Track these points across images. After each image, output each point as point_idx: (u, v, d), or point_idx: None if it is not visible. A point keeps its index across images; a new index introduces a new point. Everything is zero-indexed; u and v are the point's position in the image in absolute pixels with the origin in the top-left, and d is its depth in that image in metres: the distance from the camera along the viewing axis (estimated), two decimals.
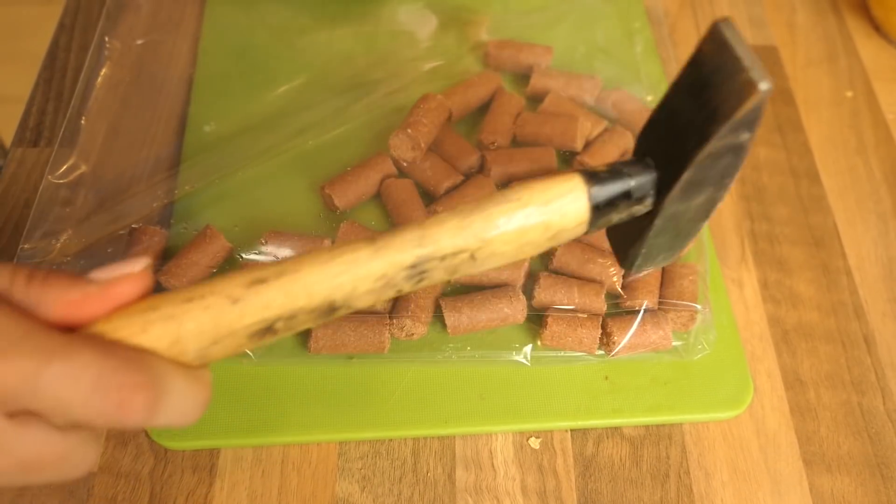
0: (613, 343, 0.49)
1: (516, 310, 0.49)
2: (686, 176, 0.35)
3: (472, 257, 0.35)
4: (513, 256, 0.36)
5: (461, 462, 0.47)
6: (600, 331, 0.49)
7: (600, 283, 0.50)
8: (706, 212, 0.39)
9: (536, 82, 0.61)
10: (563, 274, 0.52)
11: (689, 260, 0.53)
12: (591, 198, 0.36)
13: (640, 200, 0.37)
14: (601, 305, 0.49)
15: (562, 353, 0.49)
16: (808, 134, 0.63)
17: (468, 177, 0.56)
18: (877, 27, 0.70)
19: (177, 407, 0.30)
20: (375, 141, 0.58)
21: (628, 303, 0.50)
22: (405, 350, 0.50)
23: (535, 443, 0.48)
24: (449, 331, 0.49)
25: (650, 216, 0.38)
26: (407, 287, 0.35)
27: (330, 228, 0.54)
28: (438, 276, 0.35)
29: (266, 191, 0.56)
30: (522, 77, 0.62)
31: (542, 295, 0.50)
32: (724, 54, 0.34)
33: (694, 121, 0.35)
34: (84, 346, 0.28)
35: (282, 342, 0.49)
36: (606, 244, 0.52)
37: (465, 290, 0.51)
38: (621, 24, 0.66)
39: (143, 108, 0.60)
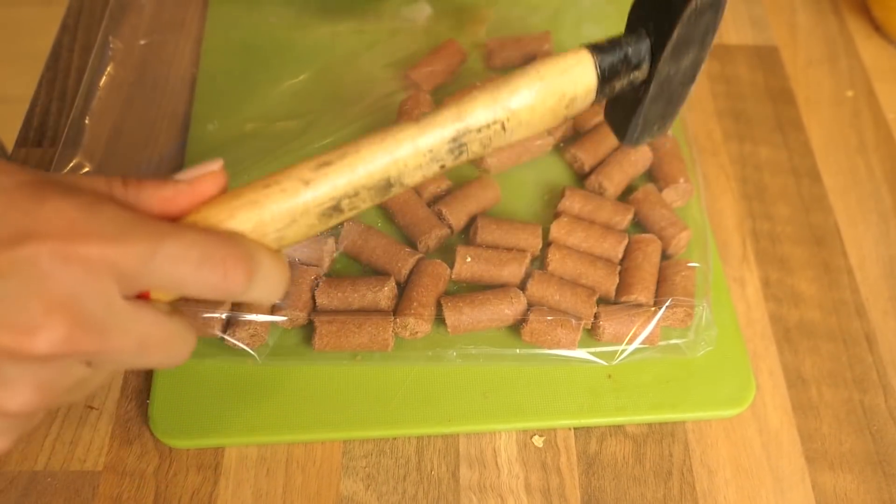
0: (600, 327, 0.49)
1: (517, 310, 0.49)
2: (676, 34, 0.40)
3: (503, 128, 0.39)
4: (538, 125, 0.40)
5: (465, 460, 0.47)
6: (580, 334, 0.49)
7: (593, 289, 0.51)
8: (692, 74, 0.44)
9: None
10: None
11: (691, 258, 0.53)
12: (597, 65, 0.41)
13: (637, 66, 0.42)
14: (591, 310, 0.50)
15: (564, 353, 0.49)
16: (809, 134, 0.64)
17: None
18: (877, 27, 0.70)
19: (267, 280, 0.34)
20: None
21: (623, 298, 0.50)
22: (409, 349, 0.50)
23: (538, 441, 0.48)
24: (449, 330, 0.49)
25: (646, 84, 0.42)
26: (449, 161, 0.39)
27: (335, 228, 0.54)
28: (475, 148, 0.39)
29: None
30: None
31: (535, 289, 0.50)
32: None
33: None
34: (187, 229, 0.32)
35: (286, 341, 0.50)
36: (606, 250, 0.52)
37: (468, 290, 0.51)
38: (623, 24, 0.66)
39: (146, 107, 0.60)
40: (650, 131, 0.46)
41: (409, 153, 0.37)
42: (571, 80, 0.40)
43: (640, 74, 0.42)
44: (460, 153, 0.39)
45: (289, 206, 0.35)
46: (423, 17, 0.65)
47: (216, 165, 0.35)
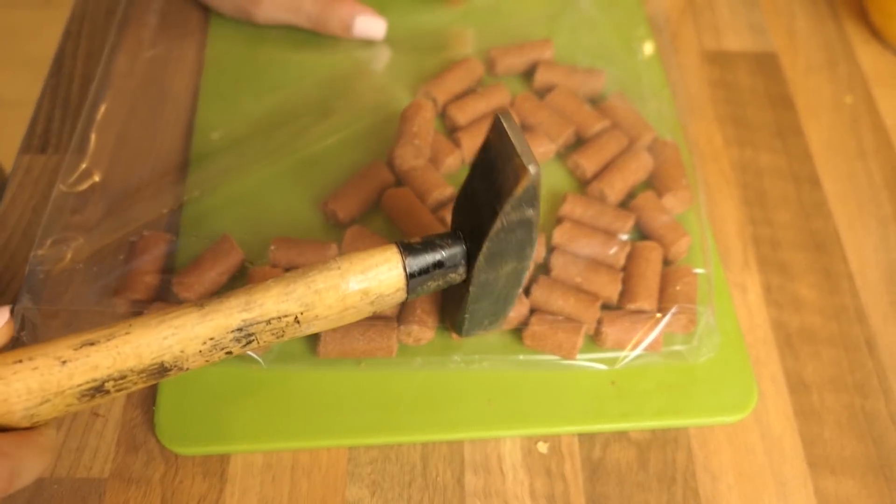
0: (603, 333, 0.50)
1: (520, 313, 0.50)
2: (486, 248, 0.40)
3: (297, 321, 0.38)
4: (336, 321, 0.40)
5: (470, 466, 0.48)
6: (582, 338, 0.49)
7: (596, 295, 0.51)
8: (517, 280, 0.44)
9: (541, 77, 0.61)
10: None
11: (694, 263, 0.54)
12: (405, 267, 0.40)
13: (453, 269, 0.42)
14: (594, 315, 0.50)
15: (567, 360, 0.50)
16: (808, 139, 0.64)
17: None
18: (875, 33, 0.71)
19: (28, 477, 0.34)
20: (370, 144, 0.59)
21: (628, 305, 0.51)
22: (413, 355, 0.50)
23: (543, 447, 0.48)
24: (454, 336, 0.50)
25: (466, 284, 0.42)
26: (236, 349, 0.37)
27: (337, 235, 0.54)
28: (266, 338, 0.38)
29: (273, 196, 0.56)
30: (525, 74, 0.63)
31: (538, 294, 0.50)
32: (503, 141, 0.39)
33: (487, 199, 0.40)
34: None
35: (290, 347, 0.50)
36: (608, 257, 0.53)
37: None
38: (622, 32, 0.67)
39: (150, 116, 0.61)
40: (480, 325, 0.46)
41: (186, 339, 0.36)
42: (376, 278, 0.39)
43: (456, 276, 0.42)
44: (248, 342, 0.37)
45: (39, 386, 0.33)
46: (382, 63, 0.65)
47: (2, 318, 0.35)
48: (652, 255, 0.52)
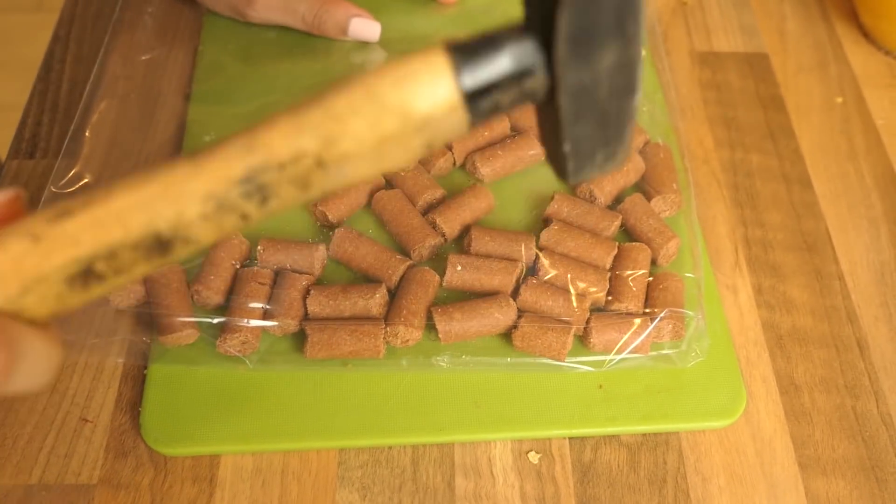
0: (591, 335, 0.49)
1: (507, 315, 0.50)
2: (565, 21, 0.28)
3: (319, 163, 0.29)
4: (375, 161, 0.29)
5: (460, 470, 0.47)
6: (571, 337, 0.49)
7: (585, 296, 0.51)
8: (626, 82, 0.31)
9: None
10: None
11: (683, 266, 0.54)
12: (457, 71, 0.29)
13: (527, 72, 0.29)
14: (583, 316, 0.50)
15: (555, 362, 0.50)
16: (799, 140, 0.64)
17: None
18: (866, 34, 0.71)
19: (31, 371, 0.28)
20: None
21: (614, 307, 0.51)
22: (400, 356, 0.50)
23: (534, 457, 0.48)
24: (441, 337, 0.49)
25: (554, 97, 0.30)
26: (251, 209, 0.29)
27: (327, 236, 0.54)
28: (287, 193, 0.29)
29: None
30: None
31: (527, 295, 0.50)
32: None
33: None
34: None
35: (277, 348, 0.50)
36: (595, 258, 0.53)
37: (459, 298, 0.51)
38: None
39: (142, 119, 0.61)
40: (592, 162, 0.32)
41: (180, 198, 0.28)
42: (417, 92, 0.28)
43: (535, 84, 0.30)
44: (265, 198, 0.29)
45: (13, 269, 0.27)
46: (376, 64, 0.64)
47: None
48: (640, 257, 0.52)
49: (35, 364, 0.28)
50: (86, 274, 0.28)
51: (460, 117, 0.29)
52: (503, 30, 0.30)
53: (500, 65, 0.29)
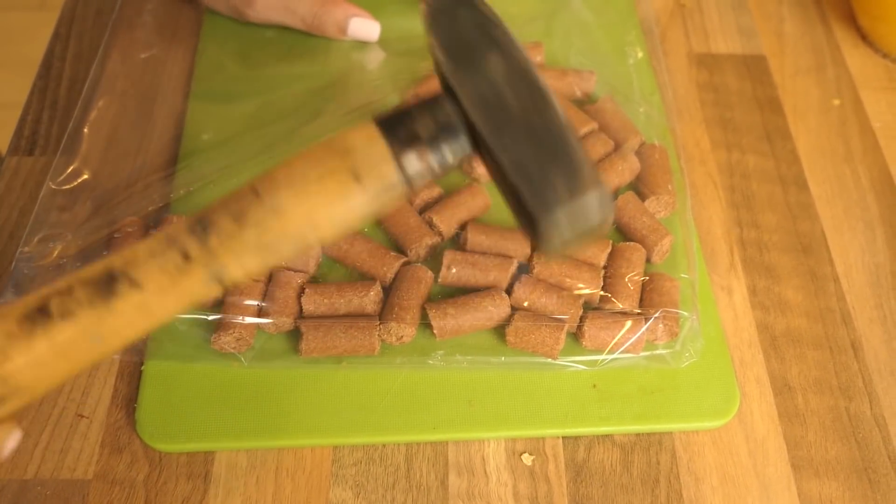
0: (584, 332, 0.50)
1: (500, 308, 0.50)
2: (434, 37, 0.30)
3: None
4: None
5: (454, 468, 0.48)
6: (564, 333, 0.49)
7: (579, 294, 0.51)
8: (532, 91, 0.30)
9: None
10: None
11: (678, 267, 0.54)
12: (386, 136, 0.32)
13: (428, 109, 0.32)
14: (577, 312, 0.50)
15: (548, 361, 0.50)
16: (796, 142, 0.64)
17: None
18: (863, 37, 0.71)
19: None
20: None
21: (608, 305, 0.51)
22: (395, 353, 0.50)
23: (528, 459, 0.48)
24: (436, 333, 0.50)
25: (465, 119, 0.31)
26: (193, 246, 0.33)
27: None
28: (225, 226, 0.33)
29: None
30: None
31: (521, 292, 0.50)
32: None
33: None
34: None
35: (271, 345, 0.50)
36: (589, 256, 0.53)
37: (453, 295, 0.52)
38: (615, 35, 0.67)
39: (140, 116, 0.61)
40: (554, 195, 0.30)
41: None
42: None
43: (443, 108, 0.32)
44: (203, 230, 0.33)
45: None
46: (375, 64, 0.65)
47: None
48: (634, 256, 0.52)
49: None
50: (39, 311, 0.31)
51: (377, 148, 0.32)
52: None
53: (404, 110, 0.31)
